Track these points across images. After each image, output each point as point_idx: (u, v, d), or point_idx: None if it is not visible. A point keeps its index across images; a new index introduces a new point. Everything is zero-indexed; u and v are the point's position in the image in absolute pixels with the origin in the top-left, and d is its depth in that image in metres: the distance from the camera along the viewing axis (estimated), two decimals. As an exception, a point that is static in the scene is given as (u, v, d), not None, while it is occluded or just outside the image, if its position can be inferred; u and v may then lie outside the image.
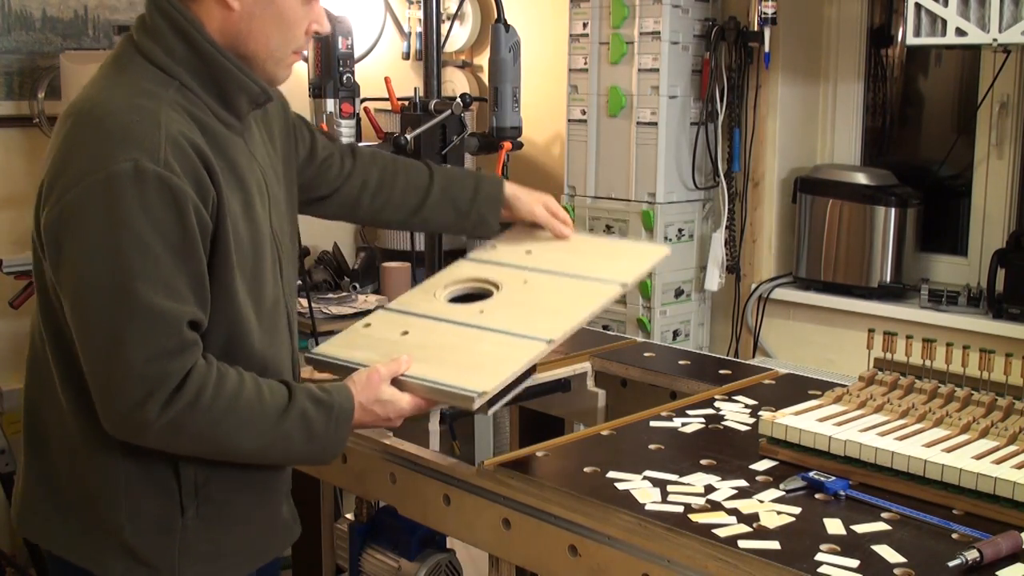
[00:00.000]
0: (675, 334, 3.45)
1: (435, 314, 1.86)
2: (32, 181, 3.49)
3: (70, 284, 1.43)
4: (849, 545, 1.44)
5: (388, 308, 1.92)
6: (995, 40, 2.58)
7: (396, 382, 1.66)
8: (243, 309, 1.54)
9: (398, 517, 1.93)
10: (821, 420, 1.74)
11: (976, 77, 3.21)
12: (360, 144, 2.36)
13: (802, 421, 1.73)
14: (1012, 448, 1.62)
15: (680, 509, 1.55)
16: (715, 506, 1.56)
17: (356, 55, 2.89)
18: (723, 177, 3.45)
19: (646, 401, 2.24)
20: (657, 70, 3.29)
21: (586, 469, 1.70)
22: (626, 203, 3.42)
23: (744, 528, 1.49)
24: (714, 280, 3.45)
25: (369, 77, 3.34)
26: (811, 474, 1.64)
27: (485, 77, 3.61)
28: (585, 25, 3.44)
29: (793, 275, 3.46)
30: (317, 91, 2.72)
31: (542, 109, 3.91)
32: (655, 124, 3.32)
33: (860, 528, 1.49)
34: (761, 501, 1.58)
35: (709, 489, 1.62)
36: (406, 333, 1.80)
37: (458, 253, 2.08)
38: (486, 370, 1.66)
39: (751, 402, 2.04)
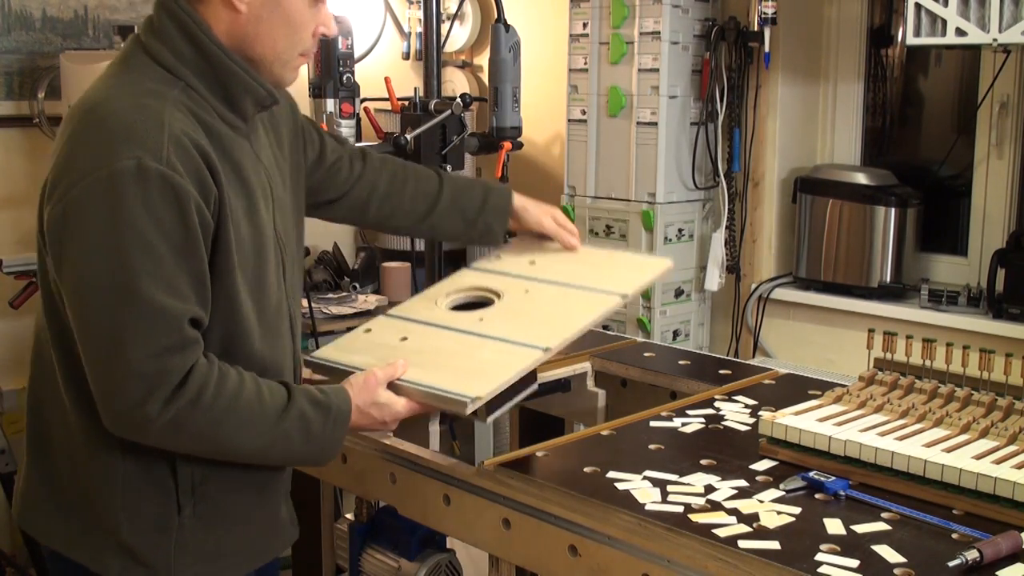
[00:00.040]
0: (675, 334, 3.46)
1: (435, 321, 1.87)
2: (32, 181, 3.51)
3: (71, 281, 1.44)
4: (849, 545, 1.44)
5: (389, 314, 1.94)
6: (995, 40, 2.58)
7: (392, 386, 1.67)
8: (243, 309, 1.54)
9: (398, 517, 1.93)
10: (821, 420, 1.74)
11: (976, 77, 3.21)
12: (364, 145, 2.36)
13: (802, 421, 1.73)
14: (1012, 448, 1.62)
15: (680, 509, 1.55)
16: (715, 506, 1.56)
17: (356, 55, 2.89)
18: (723, 177, 3.45)
19: (646, 401, 2.24)
20: (657, 70, 3.29)
21: (586, 469, 1.70)
22: (626, 203, 3.42)
23: (744, 528, 1.49)
24: (714, 280, 3.45)
25: (369, 77, 3.34)
26: (811, 474, 1.64)
27: (485, 77, 3.61)
28: (585, 25, 3.44)
29: (793, 275, 3.46)
30: (317, 91, 2.72)
31: (542, 109, 3.91)
32: (655, 124, 3.32)
33: (860, 528, 1.49)
34: (761, 501, 1.58)
35: (709, 489, 1.62)
36: (405, 339, 1.82)
37: (458, 254, 2.09)
38: (481, 376, 1.67)
39: (751, 402, 2.04)
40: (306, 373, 1.85)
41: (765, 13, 3.22)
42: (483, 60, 3.98)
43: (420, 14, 3.36)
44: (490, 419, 1.73)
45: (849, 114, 3.50)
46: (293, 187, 1.75)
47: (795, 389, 2.10)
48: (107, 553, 1.54)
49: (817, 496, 1.60)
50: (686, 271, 3.47)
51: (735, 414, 1.97)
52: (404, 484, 1.87)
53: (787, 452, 1.72)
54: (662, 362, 2.35)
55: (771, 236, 3.50)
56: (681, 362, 2.37)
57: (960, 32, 2.63)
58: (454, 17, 4.01)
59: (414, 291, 3.46)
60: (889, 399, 1.81)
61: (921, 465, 1.58)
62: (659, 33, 3.27)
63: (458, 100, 2.71)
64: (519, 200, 2.03)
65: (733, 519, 1.51)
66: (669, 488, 1.62)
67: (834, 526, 1.49)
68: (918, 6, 2.67)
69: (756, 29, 3.26)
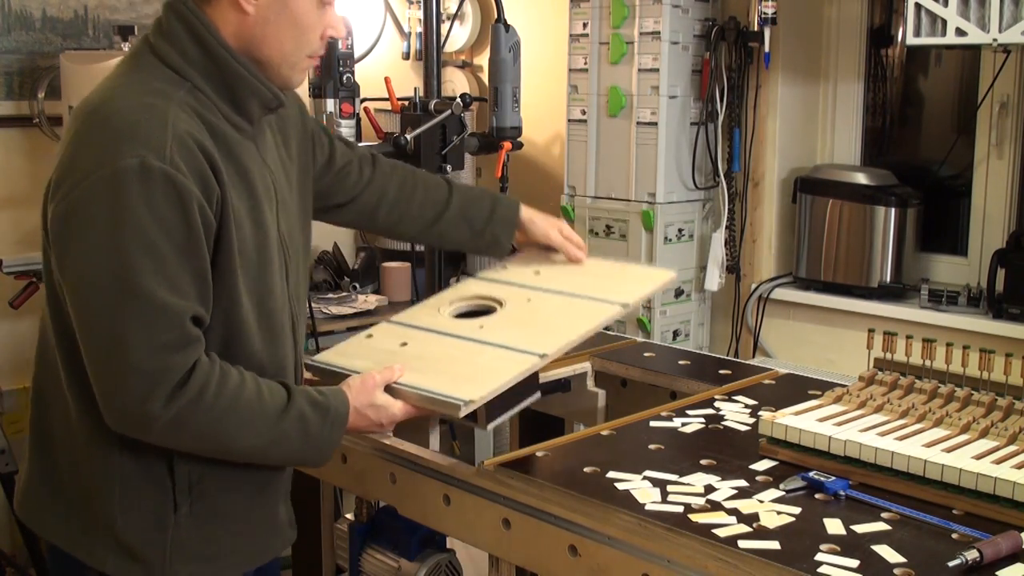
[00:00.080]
0: (675, 334, 3.45)
1: (436, 328, 1.90)
2: (32, 181, 3.50)
3: (74, 278, 1.45)
4: (849, 545, 1.44)
5: (392, 321, 1.97)
6: (995, 40, 2.58)
7: (389, 389, 1.69)
8: (244, 310, 1.55)
9: (398, 517, 1.93)
10: (821, 420, 1.74)
11: (976, 77, 3.21)
12: (365, 145, 2.36)
13: (802, 421, 1.73)
14: (1012, 448, 1.62)
15: (680, 509, 1.55)
16: (715, 506, 1.56)
17: (356, 55, 2.89)
18: (723, 177, 3.45)
19: (646, 401, 2.24)
20: (657, 70, 3.29)
21: (586, 469, 1.70)
22: (626, 203, 3.42)
23: (744, 528, 1.49)
24: (714, 280, 3.45)
25: (369, 77, 3.34)
26: (811, 474, 1.64)
27: (485, 77, 3.61)
28: (585, 25, 3.44)
29: (793, 275, 3.46)
30: (317, 91, 2.73)
31: (542, 109, 3.91)
32: (655, 124, 3.32)
33: (860, 528, 1.49)
34: (761, 501, 1.58)
35: (709, 489, 1.62)
36: (405, 344, 1.85)
37: (458, 256, 2.11)
38: (475, 380, 1.69)
39: (751, 402, 2.04)
40: (306, 376, 1.86)
41: (765, 13, 3.22)
42: (483, 60, 3.98)
43: (420, 14, 3.36)
44: (490, 426, 1.77)
45: (849, 114, 3.50)
46: (300, 190, 1.75)
47: (795, 389, 2.10)
48: (104, 549, 1.55)
49: (817, 496, 1.60)
50: (686, 271, 3.47)
51: (735, 414, 1.97)
52: (404, 484, 1.87)
53: (787, 452, 1.72)
54: (662, 362, 2.35)
55: (771, 236, 3.50)
56: (681, 362, 2.37)
57: (960, 32, 2.63)
58: (454, 17, 4.01)
59: (414, 291, 3.47)
60: (889, 399, 1.81)
61: (921, 465, 1.58)
62: (659, 33, 3.27)
63: (458, 100, 2.71)
64: (526, 212, 2.06)
65: (733, 519, 1.51)
66: (669, 488, 1.62)
67: (834, 526, 1.49)
68: (918, 6, 2.67)
69: (756, 29, 3.26)
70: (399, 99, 2.86)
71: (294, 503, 1.78)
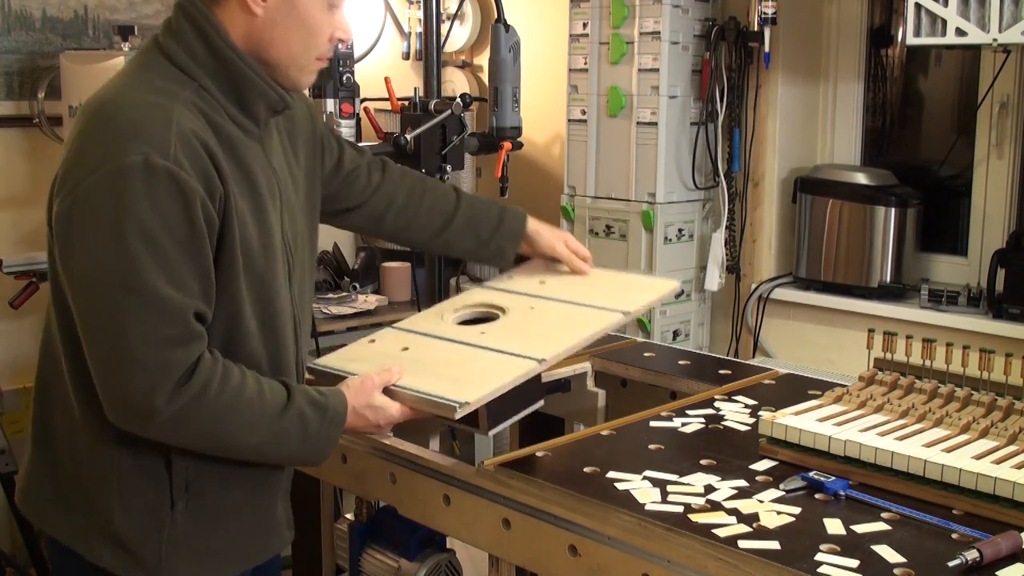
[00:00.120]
0: (675, 334, 3.45)
1: (438, 333, 1.92)
2: (32, 181, 3.51)
3: (77, 273, 1.46)
4: (849, 545, 1.44)
5: (395, 327, 1.99)
6: (995, 40, 2.58)
7: (388, 391, 1.70)
8: (245, 309, 1.56)
9: (398, 517, 1.93)
10: (821, 420, 1.74)
11: (976, 77, 3.21)
12: (366, 144, 2.36)
13: (802, 421, 1.73)
14: (1012, 448, 1.62)
15: (680, 509, 1.55)
16: (715, 506, 1.56)
17: (356, 55, 2.89)
18: (723, 177, 3.45)
19: (646, 401, 2.23)
20: (657, 70, 3.29)
21: (586, 469, 1.70)
22: (626, 203, 3.42)
23: (744, 528, 1.49)
24: (714, 280, 3.45)
25: (369, 77, 3.34)
26: (811, 474, 1.64)
27: (485, 77, 3.61)
28: (585, 25, 3.44)
29: (793, 275, 3.46)
30: (317, 91, 2.73)
31: (542, 109, 3.91)
32: (655, 124, 3.32)
33: (860, 528, 1.49)
34: (761, 501, 1.58)
35: (709, 489, 1.62)
36: (406, 349, 1.87)
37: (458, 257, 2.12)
38: (473, 383, 1.71)
39: (751, 402, 2.04)
40: (307, 379, 1.86)
41: (765, 13, 3.22)
42: (483, 60, 3.98)
43: (420, 14, 3.35)
44: (492, 432, 1.78)
45: (849, 114, 3.50)
46: (307, 194, 1.77)
47: (795, 389, 2.10)
48: (101, 543, 1.56)
49: (817, 496, 1.60)
50: (686, 271, 3.47)
51: (735, 414, 1.97)
52: (404, 484, 1.87)
53: (787, 452, 1.72)
54: (662, 362, 2.35)
55: (771, 236, 3.50)
56: (681, 362, 2.37)
57: (960, 32, 2.63)
58: (454, 17, 4.01)
59: (414, 291, 3.47)
60: (889, 399, 1.81)
61: (921, 465, 1.58)
62: (659, 33, 3.27)
63: (458, 100, 2.71)
64: (533, 224, 2.08)
65: (733, 519, 1.51)
66: (669, 488, 1.62)
67: (834, 526, 1.49)
68: (918, 6, 2.67)
69: (756, 29, 3.26)
70: (399, 99, 2.86)
71: (294, 503, 1.78)
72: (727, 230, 3.47)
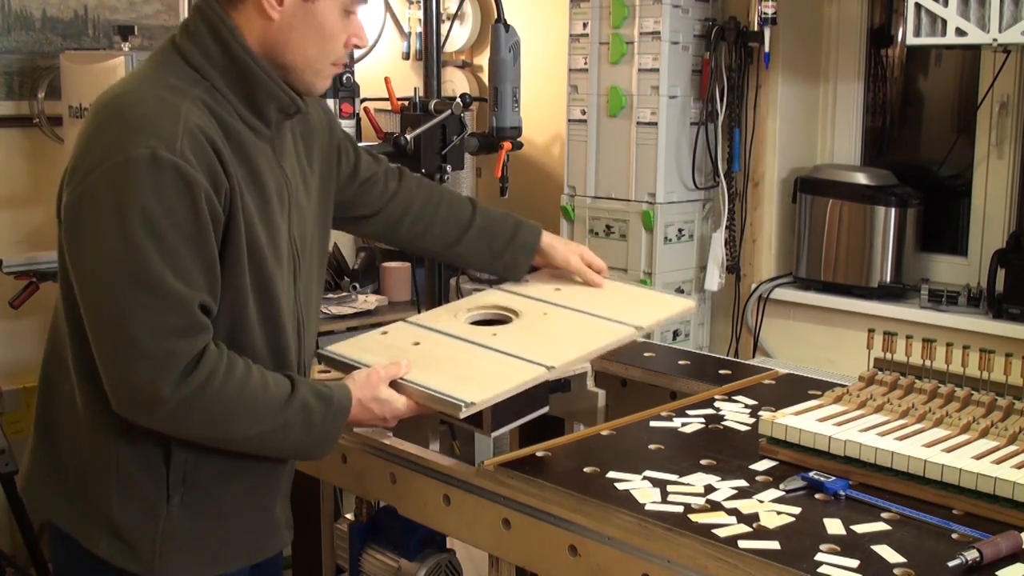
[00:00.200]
0: (675, 334, 3.45)
1: (450, 331, 1.93)
2: (32, 181, 3.51)
3: (83, 265, 1.48)
4: (849, 545, 1.44)
5: (408, 321, 2.00)
6: (995, 40, 2.58)
7: (394, 384, 1.71)
8: (249, 306, 1.58)
9: (398, 517, 1.93)
10: (821, 420, 1.74)
11: (976, 77, 3.21)
12: (362, 144, 2.36)
13: (802, 421, 1.73)
14: (1012, 448, 1.62)
15: (680, 509, 1.55)
16: (715, 506, 1.56)
17: (356, 55, 2.89)
18: (723, 177, 3.45)
19: (646, 401, 2.23)
20: (657, 70, 3.29)
21: (586, 469, 1.70)
22: (626, 203, 3.42)
23: (744, 528, 1.49)
24: (714, 280, 3.45)
25: (369, 77, 3.34)
26: (811, 474, 1.64)
27: (485, 77, 3.61)
28: (585, 25, 3.44)
29: (793, 275, 3.46)
30: (317, 91, 2.72)
31: (542, 109, 3.91)
32: (655, 124, 3.32)
33: (860, 528, 1.49)
34: (761, 501, 1.58)
35: (709, 489, 1.62)
36: (417, 344, 1.88)
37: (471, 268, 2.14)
38: (480, 384, 1.71)
39: (751, 402, 2.04)
40: (314, 371, 1.88)
41: (765, 13, 3.22)
42: (483, 60, 3.98)
43: (420, 14, 3.35)
44: (494, 434, 1.79)
45: (849, 114, 3.50)
46: (319, 198, 1.78)
47: (795, 389, 2.10)
48: (98, 531, 1.58)
49: (817, 496, 1.60)
50: (686, 271, 3.47)
51: (735, 414, 1.97)
52: (404, 484, 1.87)
53: (787, 452, 1.72)
54: (662, 362, 2.35)
55: (771, 236, 3.50)
56: (681, 362, 2.37)
57: (960, 32, 2.63)
58: (454, 17, 4.01)
59: (414, 291, 3.47)
60: (889, 399, 1.81)
61: (921, 465, 1.58)
62: (659, 33, 3.27)
63: (458, 100, 2.71)
64: (547, 238, 2.10)
65: (733, 519, 1.51)
66: (669, 488, 1.62)
67: (834, 526, 1.49)
68: (918, 6, 2.67)
69: (756, 29, 3.26)
70: (399, 99, 2.86)
71: (294, 503, 1.78)
72: (727, 230, 3.47)
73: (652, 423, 1.93)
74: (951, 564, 1.36)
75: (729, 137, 3.45)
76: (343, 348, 1.87)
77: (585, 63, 3.46)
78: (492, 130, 2.74)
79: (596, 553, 1.56)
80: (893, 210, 3.21)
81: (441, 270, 2.79)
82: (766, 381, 2.19)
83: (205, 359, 1.48)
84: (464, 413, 1.65)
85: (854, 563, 1.38)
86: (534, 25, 3.91)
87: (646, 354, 2.40)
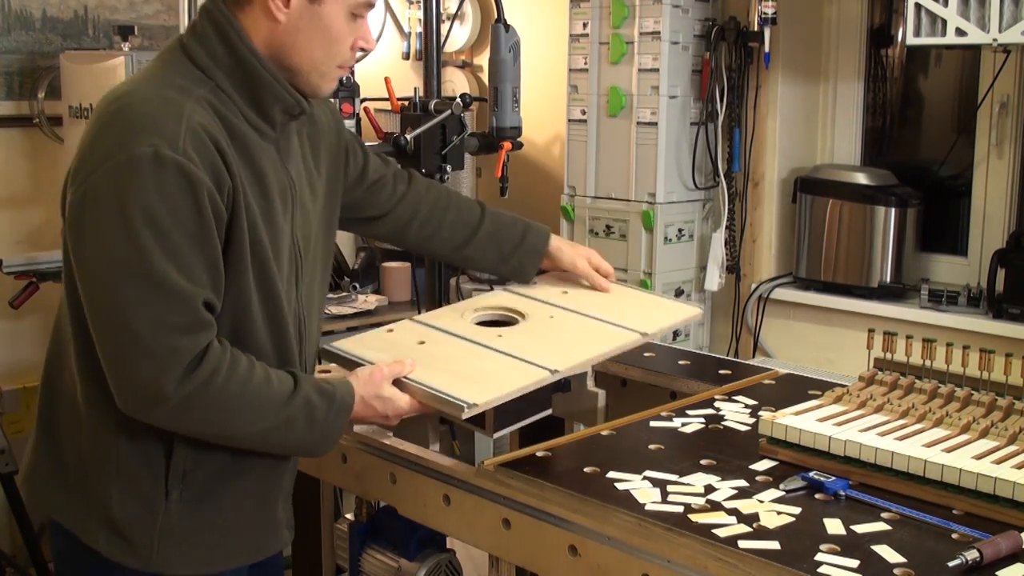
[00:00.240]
0: (675, 334, 3.45)
1: (456, 331, 1.94)
2: (32, 181, 3.51)
3: (86, 262, 1.48)
4: (849, 545, 1.44)
5: (414, 319, 2.01)
6: (995, 40, 2.58)
7: (398, 383, 1.72)
8: (252, 304, 1.58)
9: (398, 517, 1.93)
10: (821, 420, 1.74)
11: (976, 77, 3.21)
12: (368, 145, 2.36)
13: (802, 421, 1.73)
14: (1012, 448, 1.62)
15: (680, 509, 1.55)
16: (715, 506, 1.56)
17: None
18: (723, 177, 3.45)
19: (646, 401, 2.23)
20: (657, 70, 3.29)
21: (586, 469, 1.70)
22: (626, 203, 3.42)
23: (744, 528, 1.49)
24: (714, 280, 3.45)
25: (369, 77, 3.34)
26: (811, 474, 1.64)
27: (485, 77, 3.61)
28: (585, 25, 3.44)
29: (793, 275, 3.46)
30: (317, 91, 2.72)
31: (542, 109, 3.91)
32: (655, 124, 3.32)
33: (860, 528, 1.49)
34: (761, 501, 1.58)
35: (709, 489, 1.62)
36: (422, 343, 1.89)
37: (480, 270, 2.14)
38: (483, 385, 1.72)
39: (751, 402, 2.04)
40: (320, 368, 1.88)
41: (765, 13, 3.22)
42: (483, 60, 3.98)
43: (420, 14, 3.35)
44: (496, 435, 1.80)
45: (849, 114, 3.50)
46: (325, 200, 1.79)
47: (795, 389, 2.10)
48: (97, 526, 1.59)
49: (817, 496, 1.60)
50: (686, 271, 3.47)
51: (735, 414, 1.97)
52: (404, 484, 1.87)
53: (787, 452, 1.72)
54: (662, 362, 2.35)
55: (771, 236, 3.50)
56: (681, 362, 2.37)
57: (960, 32, 2.63)
58: (454, 17, 4.01)
59: (414, 291, 3.47)
60: (889, 399, 1.81)
61: (921, 465, 1.58)
62: (659, 33, 3.27)
63: (458, 100, 2.71)
64: (555, 242, 2.12)
65: (733, 519, 1.51)
66: (669, 488, 1.62)
67: (834, 526, 1.49)
68: (918, 6, 2.67)
69: (756, 29, 3.26)
70: (399, 99, 2.85)
71: (294, 503, 1.78)
72: (727, 230, 3.47)
73: (652, 423, 1.93)
74: (951, 564, 1.36)
75: (729, 137, 3.45)
76: (348, 344, 1.88)
77: (585, 63, 3.46)
78: (492, 130, 2.73)
79: (596, 553, 1.56)
80: (893, 210, 3.21)
81: (441, 270, 2.79)
82: (766, 381, 2.19)
83: (208, 356, 1.49)
84: (466, 414, 1.66)
85: (854, 563, 1.38)
86: (534, 25, 3.91)
87: (646, 354, 2.40)
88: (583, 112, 3.49)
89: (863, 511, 1.55)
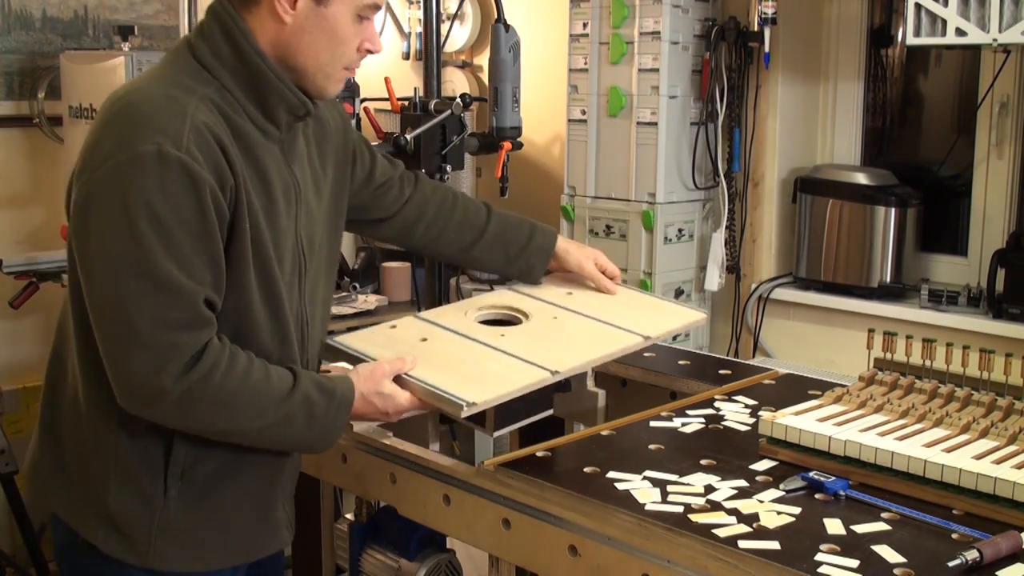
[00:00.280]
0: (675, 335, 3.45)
1: (459, 329, 1.94)
2: (32, 181, 3.51)
3: (90, 259, 1.49)
4: (849, 545, 1.44)
5: (418, 316, 2.01)
6: (995, 40, 2.58)
7: (399, 380, 1.72)
8: (254, 303, 1.59)
9: (398, 517, 1.93)
10: (821, 420, 1.74)
11: (976, 77, 3.21)
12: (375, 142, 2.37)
13: (802, 421, 1.73)
14: (1012, 448, 1.62)
15: (680, 509, 1.55)
16: (715, 506, 1.56)
17: (356, 55, 2.87)
18: (723, 177, 3.45)
19: (646, 401, 2.23)
20: (657, 70, 3.29)
21: (586, 469, 1.70)
22: (626, 203, 3.42)
23: (744, 528, 1.49)
24: (714, 280, 3.45)
25: (369, 77, 3.34)
26: (811, 474, 1.64)
27: (485, 77, 3.61)
28: (585, 25, 3.44)
29: (793, 275, 3.46)
30: (317, 91, 2.72)
31: (542, 109, 3.91)
32: (655, 124, 3.32)
33: (860, 528, 1.49)
34: (761, 501, 1.58)
35: (709, 489, 1.62)
36: (425, 340, 1.89)
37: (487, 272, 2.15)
38: (483, 384, 1.72)
39: (751, 402, 2.04)
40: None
41: (765, 13, 3.22)
42: (483, 60, 3.98)
43: (420, 14, 3.35)
44: (496, 434, 1.80)
45: (849, 114, 3.50)
46: (331, 201, 1.79)
47: (795, 389, 2.10)
48: (96, 522, 1.60)
49: (817, 496, 1.60)
50: (686, 271, 3.47)
51: (735, 414, 1.97)
52: (404, 484, 1.87)
53: (787, 452, 1.72)
54: (662, 362, 2.35)
55: (771, 236, 3.50)
56: (681, 362, 2.37)
57: (960, 32, 2.63)
58: (454, 17, 4.01)
59: (414, 291, 3.47)
60: (889, 399, 1.81)
61: (921, 465, 1.58)
62: (659, 33, 3.27)
63: (458, 100, 2.71)
64: (563, 243, 2.12)
65: (733, 519, 1.51)
66: (669, 488, 1.62)
67: (834, 526, 1.49)
68: (918, 6, 2.67)
69: (756, 29, 3.26)
70: (399, 99, 2.85)
71: (294, 503, 1.78)
72: (727, 230, 3.47)
73: (652, 423, 1.93)
74: (951, 564, 1.36)
75: (729, 137, 3.45)
76: (350, 339, 1.89)
77: (585, 63, 3.46)
78: (492, 130, 2.74)
79: (596, 553, 1.56)
80: (893, 210, 3.21)
81: (441, 270, 2.79)
82: (766, 381, 2.19)
83: (208, 352, 1.49)
84: (465, 413, 1.66)
85: (854, 563, 1.38)
86: (534, 25, 3.91)
87: (646, 354, 2.40)
88: (583, 112, 3.49)
89: (863, 511, 1.55)
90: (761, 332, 3.50)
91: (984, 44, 2.63)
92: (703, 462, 1.73)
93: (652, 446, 1.81)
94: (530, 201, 3.65)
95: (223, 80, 1.57)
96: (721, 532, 1.47)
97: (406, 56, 4.20)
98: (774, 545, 1.44)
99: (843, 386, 1.92)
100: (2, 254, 3.09)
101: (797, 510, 1.55)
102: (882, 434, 1.68)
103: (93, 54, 3.33)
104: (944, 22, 2.64)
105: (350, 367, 1.76)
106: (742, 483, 1.65)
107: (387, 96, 2.92)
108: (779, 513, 1.54)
